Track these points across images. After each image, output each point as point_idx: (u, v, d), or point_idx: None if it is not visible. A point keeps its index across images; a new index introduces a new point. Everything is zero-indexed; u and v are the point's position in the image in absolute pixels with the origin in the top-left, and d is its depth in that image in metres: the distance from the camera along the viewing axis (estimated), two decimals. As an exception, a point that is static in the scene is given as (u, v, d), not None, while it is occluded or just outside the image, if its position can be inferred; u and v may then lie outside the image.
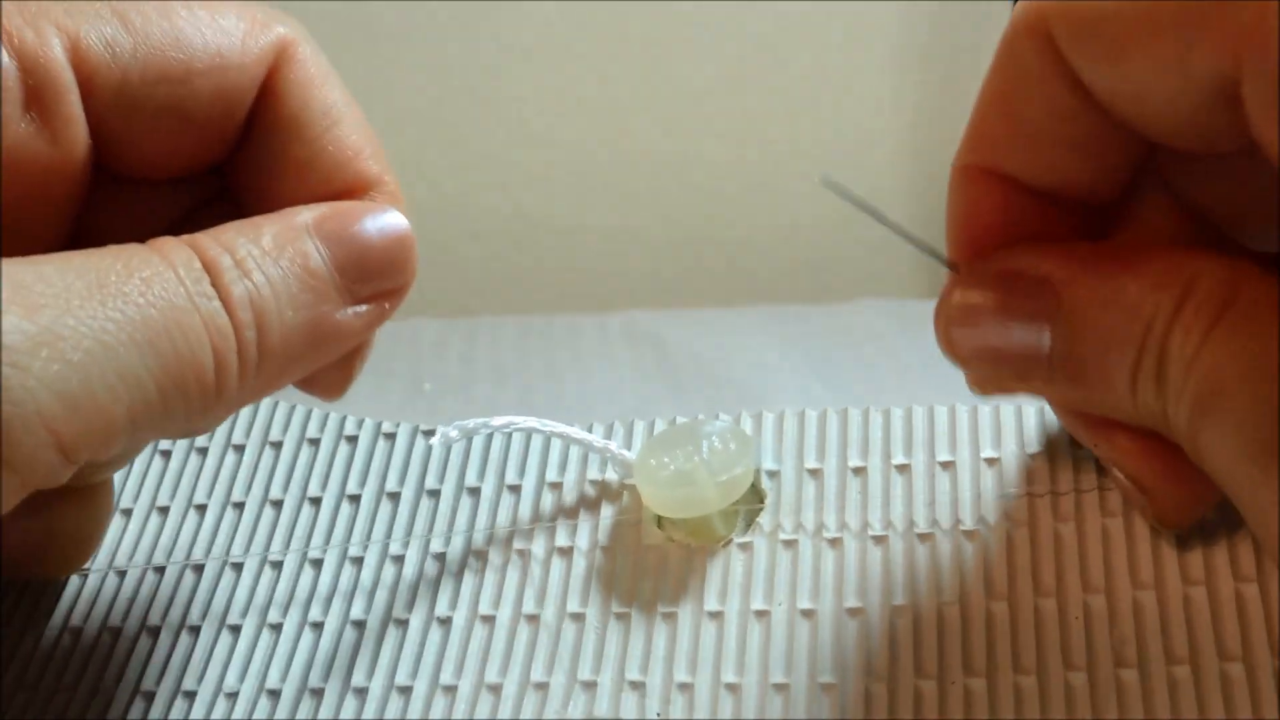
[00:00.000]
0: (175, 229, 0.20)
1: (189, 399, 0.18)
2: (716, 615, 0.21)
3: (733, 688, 0.20)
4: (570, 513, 0.24)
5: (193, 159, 0.21)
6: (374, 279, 0.21)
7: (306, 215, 0.20)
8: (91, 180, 0.20)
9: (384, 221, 0.21)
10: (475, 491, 0.24)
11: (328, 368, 0.21)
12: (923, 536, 0.22)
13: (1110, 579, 0.20)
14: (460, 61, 0.63)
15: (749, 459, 0.23)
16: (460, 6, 0.62)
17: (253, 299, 0.19)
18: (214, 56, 0.20)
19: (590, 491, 0.24)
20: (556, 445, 0.25)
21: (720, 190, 0.66)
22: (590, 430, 0.24)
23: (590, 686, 0.21)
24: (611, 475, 0.24)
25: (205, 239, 0.19)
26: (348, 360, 0.22)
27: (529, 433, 0.25)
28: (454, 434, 0.23)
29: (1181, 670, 0.18)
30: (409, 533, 0.24)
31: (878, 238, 0.68)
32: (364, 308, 0.21)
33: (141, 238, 0.19)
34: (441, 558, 0.23)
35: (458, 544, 0.23)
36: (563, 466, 0.24)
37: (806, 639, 0.21)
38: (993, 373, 0.20)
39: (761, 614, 0.21)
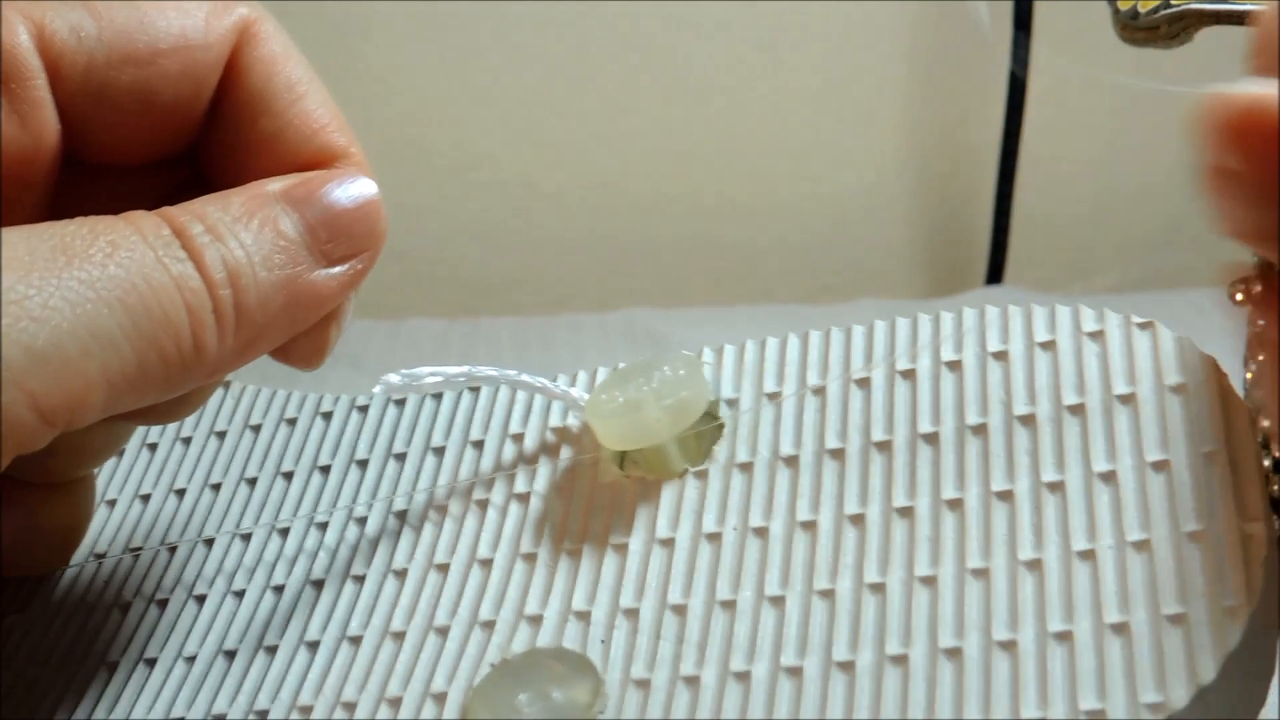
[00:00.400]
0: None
1: (167, 360, 0.18)
2: (667, 542, 0.21)
3: (678, 609, 0.20)
4: (530, 459, 0.24)
5: (163, 143, 0.22)
6: (345, 240, 0.21)
7: (275, 185, 0.21)
8: (62, 167, 0.21)
9: (352, 185, 0.21)
10: (440, 451, 0.24)
11: (305, 335, 0.21)
12: (880, 445, 0.21)
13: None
14: (461, 62, 0.63)
15: (698, 382, 0.22)
16: (461, 6, 0.62)
17: (225, 260, 0.19)
18: (178, 37, 0.20)
19: (551, 438, 0.24)
20: (521, 397, 0.25)
21: (720, 190, 0.66)
22: (554, 380, 0.24)
23: (535, 620, 0.21)
24: (572, 421, 0.24)
25: (173, 209, 0.19)
26: (324, 326, 0.22)
27: (495, 388, 0.25)
28: (395, 379, 0.23)
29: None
30: (374, 496, 0.24)
31: (878, 238, 0.68)
32: (338, 269, 0.21)
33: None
34: (403, 515, 0.23)
35: (419, 501, 0.24)
36: (525, 417, 0.24)
37: (756, 556, 0.20)
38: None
39: (713, 536, 0.21)
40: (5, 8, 0.19)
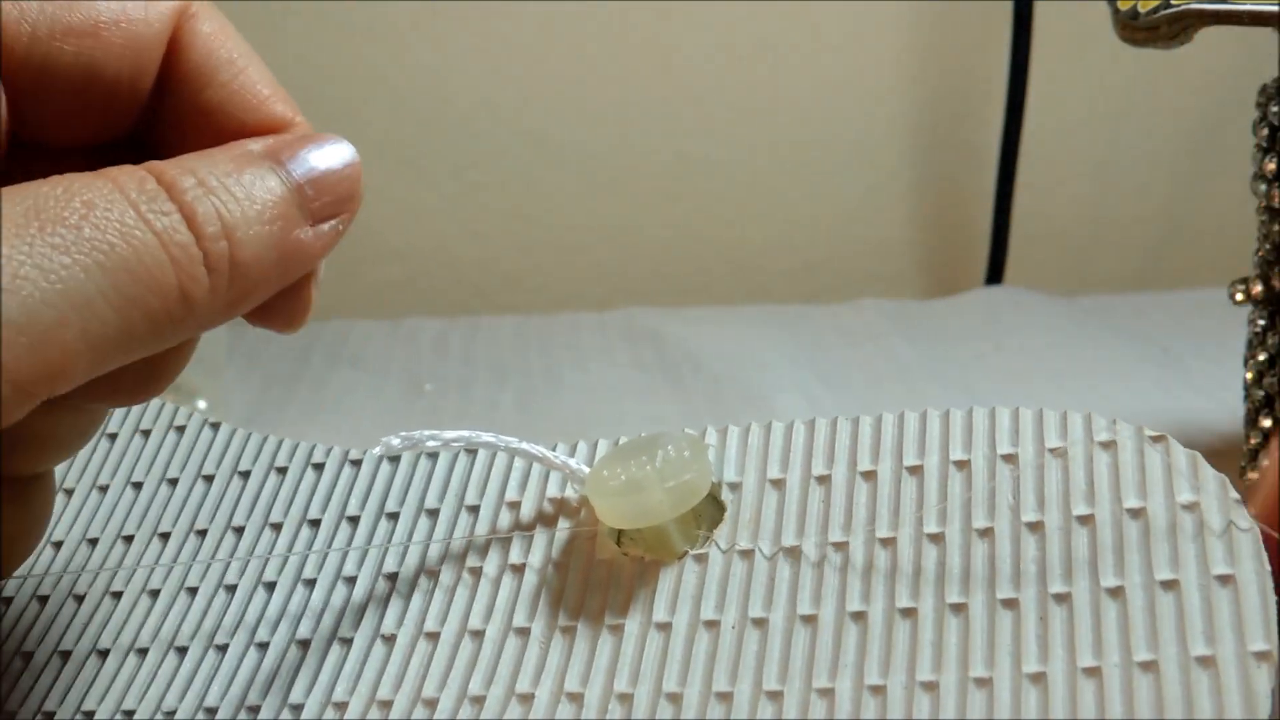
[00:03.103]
0: None
1: (155, 319, 0.18)
2: (664, 626, 0.21)
3: (673, 697, 0.20)
4: (526, 529, 0.23)
5: (108, 122, 0.21)
6: (330, 199, 0.21)
7: (257, 144, 0.21)
8: (8, 149, 0.20)
9: (332, 146, 0.22)
10: (434, 513, 0.24)
11: (286, 294, 0.21)
12: (885, 541, 0.21)
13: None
14: (461, 61, 0.63)
15: (702, 465, 0.22)
16: (461, 6, 0.62)
17: (220, 213, 0.19)
18: (119, 11, 0.21)
19: (548, 509, 0.23)
20: (519, 464, 0.24)
21: (720, 190, 0.66)
22: (554, 449, 0.24)
23: (527, 699, 0.21)
24: (570, 493, 0.24)
25: (161, 163, 0.19)
26: (304, 285, 0.22)
27: (492, 453, 0.24)
28: (396, 442, 0.22)
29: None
30: (364, 553, 0.24)
31: (878, 238, 0.68)
32: (324, 227, 0.21)
33: None
34: (393, 578, 0.23)
35: (411, 564, 0.23)
36: (523, 485, 0.24)
37: (755, 648, 0.20)
38: None
39: (711, 624, 0.21)
40: None
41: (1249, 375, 0.34)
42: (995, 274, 0.66)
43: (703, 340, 0.55)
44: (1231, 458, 0.37)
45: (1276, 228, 0.33)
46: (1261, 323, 0.34)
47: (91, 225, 0.18)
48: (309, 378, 0.51)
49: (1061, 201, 0.69)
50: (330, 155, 0.21)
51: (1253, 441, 0.34)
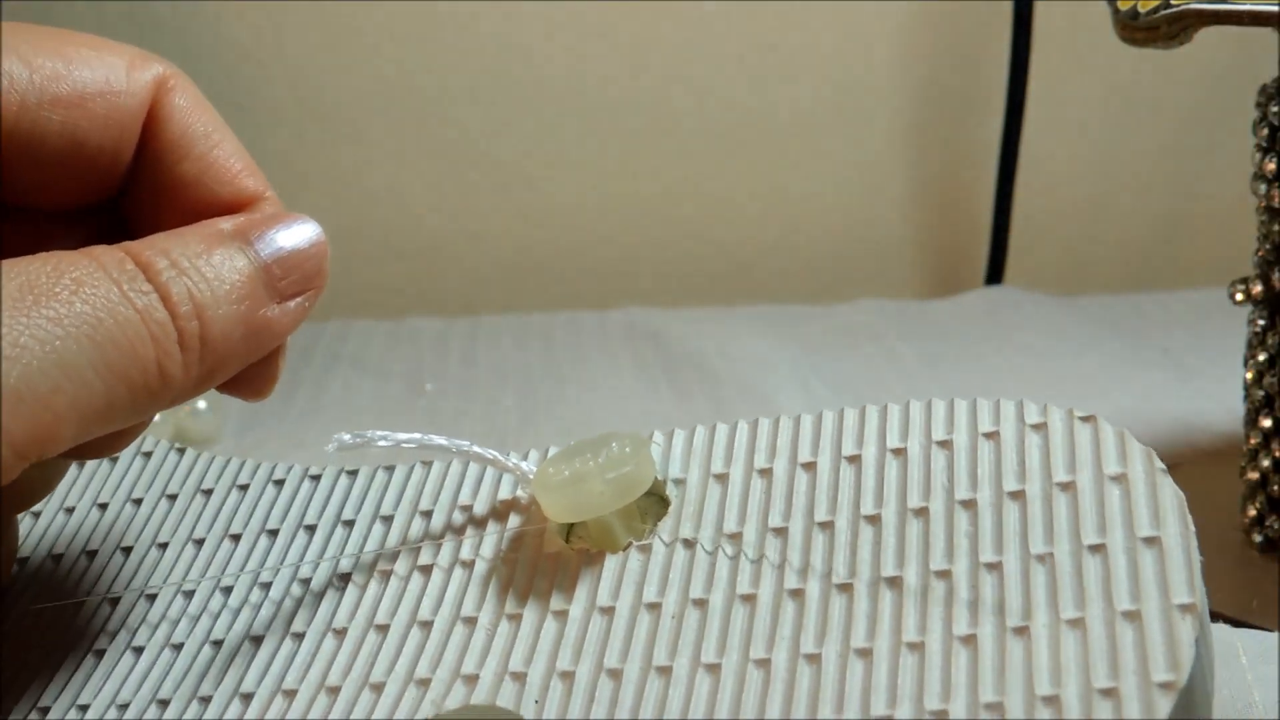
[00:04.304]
0: None
1: (134, 390, 0.19)
2: (608, 610, 0.22)
3: (614, 673, 0.21)
4: (479, 526, 0.24)
5: (88, 188, 0.23)
6: (296, 278, 0.22)
7: (226, 224, 0.22)
8: None
9: (299, 226, 0.23)
10: (388, 519, 0.25)
11: (254, 367, 0.22)
12: (823, 525, 0.22)
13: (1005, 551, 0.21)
14: (461, 61, 0.63)
15: (643, 459, 0.23)
16: (461, 6, 0.62)
17: (191, 294, 0.20)
18: (103, 84, 0.22)
19: (499, 510, 0.24)
20: (473, 470, 0.25)
21: (721, 189, 0.66)
22: (508, 457, 0.25)
23: (471, 679, 0.21)
24: (521, 494, 0.25)
25: (135, 244, 0.20)
26: (273, 359, 0.23)
27: (447, 462, 0.25)
28: (347, 438, 0.23)
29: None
30: (320, 558, 0.24)
31: (878, 238, 0.68)
32: (290, 304, 0.22)
33: None
34: (347, 578, 0.24)
35: (364, 564, 0.24)
36: (476, 489, 0.25)
37: (695, 625, 0.21)
38: None
39: (653, 605, 0.22)
40: None
41: (1249, 375, 0.34)
42: (995, 274, 0.66)
43: (703, 340, 0.55)
44: (1231, 458, 0.37)
45: (1276, 228, 0.33)
46: (1261, 323, 0.34)
47: (81, 300, 0.19)
48: (309, 378, 0.51)
49: (1061, 201, 0.69)
50: (296, 234, 0.22)
51: (1253, 441, 0.34)
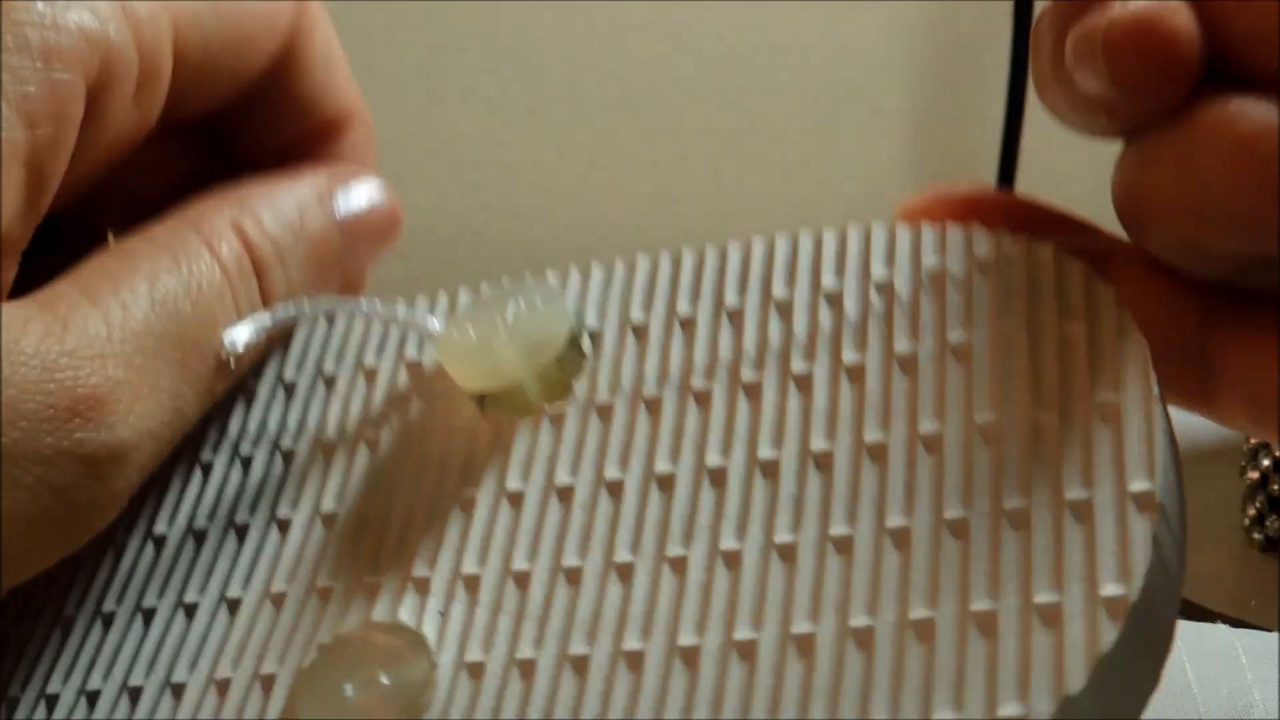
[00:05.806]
0: (178, 166, 0.22)
1: (205, 401, 0.20)
2: (516, 497, 0.19)
3: (520, 577, 0.18)
4: (385, 397, 0.22)
5: (222, 96, 0.22)
6: (369, 246, 0.23)
7: (317, 185, 0.22)
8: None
9: (376, 194, 0.24)
10: (291, 387, 0.22)
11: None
12: (749, 388, 0.19)
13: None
14: (460, 61, 0.63)
15: (556, 315, 0.21)
16: (461, 6, 0.62)
17: (289, 292, 0.21)
18: (266, 16, 0.22)
19: (404, 376, 0.22)
20: (376, 327, 0.23)
21: (721, 189, 0.66)
22: (413, 305, 0.23)
23: (373, 589, 0.19)
24: (428, 355, 0.22)
25: (249, 223, 0.20)
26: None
27: (349, 318, 0.23)
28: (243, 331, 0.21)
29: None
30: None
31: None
32: (357, 269, 0.23)
33: (155, 174, 0.21)
34: (248, 464, 0.22)
35: (263, 451, 0.22)
36: (380, 349, 0.22)
37: (607, 513, 0.19)
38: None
39: (564, 491, 0.19)
40: (157, 8, 0.20)
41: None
42: (995, 274, 0.66)
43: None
44: (1231, 458, 0.37)
45: (1276, 228, 0.33)
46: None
47: (198, 315, 0.19)
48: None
49: (1061, 201, 0.69)
50: (374, 201, 0.24)
51: (1253, 441, 0.34)
